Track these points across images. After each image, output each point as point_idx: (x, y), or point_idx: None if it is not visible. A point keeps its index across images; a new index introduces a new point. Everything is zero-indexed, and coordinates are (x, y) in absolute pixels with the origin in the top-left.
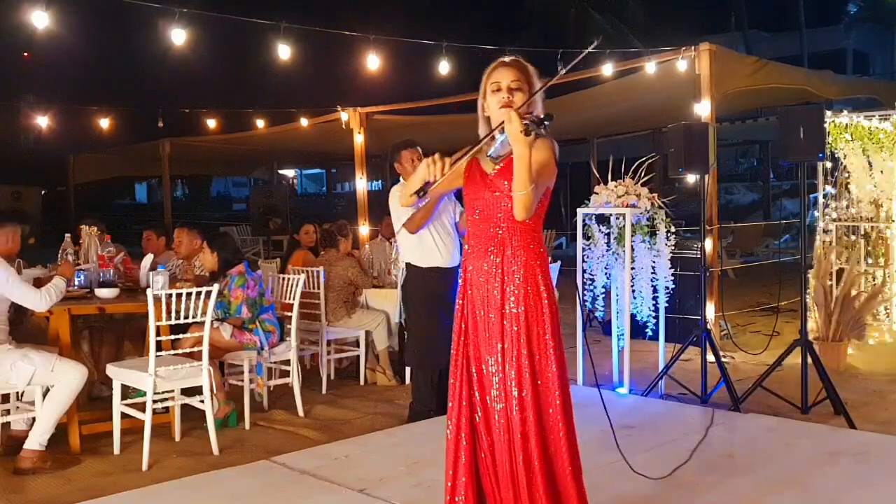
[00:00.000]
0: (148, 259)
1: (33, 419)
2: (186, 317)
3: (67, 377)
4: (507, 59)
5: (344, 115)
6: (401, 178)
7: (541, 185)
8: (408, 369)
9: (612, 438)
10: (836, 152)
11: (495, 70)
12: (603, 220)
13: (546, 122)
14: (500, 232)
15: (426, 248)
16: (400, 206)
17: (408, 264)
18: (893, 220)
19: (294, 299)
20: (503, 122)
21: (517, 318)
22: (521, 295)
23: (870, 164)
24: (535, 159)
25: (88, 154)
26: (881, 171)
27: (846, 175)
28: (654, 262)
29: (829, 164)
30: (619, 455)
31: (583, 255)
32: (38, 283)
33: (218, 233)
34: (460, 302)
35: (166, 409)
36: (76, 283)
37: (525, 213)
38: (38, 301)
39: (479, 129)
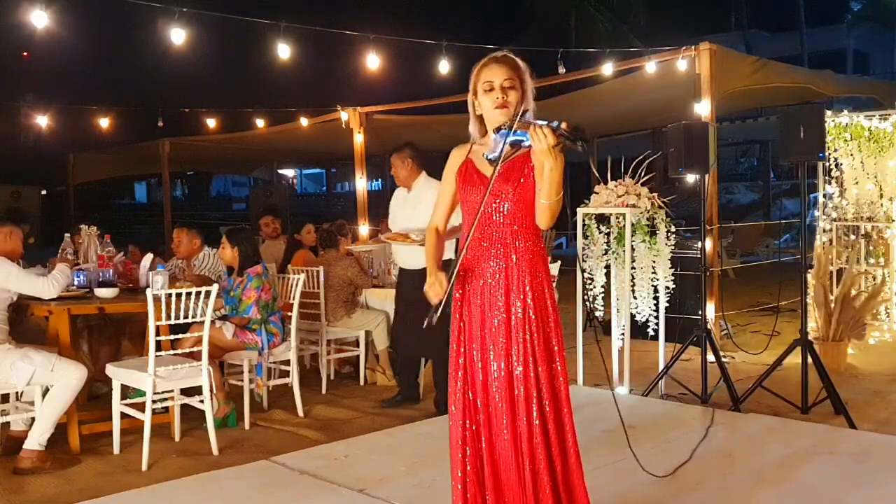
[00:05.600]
0: (147, 259)
1: (33, 419)
2: (186, 316)
3: (67, 377)
4: (497, 55)
5: (344, 115)
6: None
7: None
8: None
9: (613, 439)
10: (832, 153)
11: (486, 67)
12: (603, 219)
13: (580, 137)
14: (504, 236)
15: (417, 251)
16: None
17: (400, 268)
18: (893, 220)
19: (294, 299)
20: (506, 125)
21: (524, 322)
22: (527, 298)
23: (862, 164)
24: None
25: (88, 154)
26: (875, 175)
27: (843, 175)
28: (654, 262)
29: (829, 164)
30: (620, 456)
31: (583, 255)
32: None
33: (236, 227)
34: (458, 305)
35: (166, 409)
36: (76, 282)
37: (551, 221)
38: (46, 288)
39: (469, 127)
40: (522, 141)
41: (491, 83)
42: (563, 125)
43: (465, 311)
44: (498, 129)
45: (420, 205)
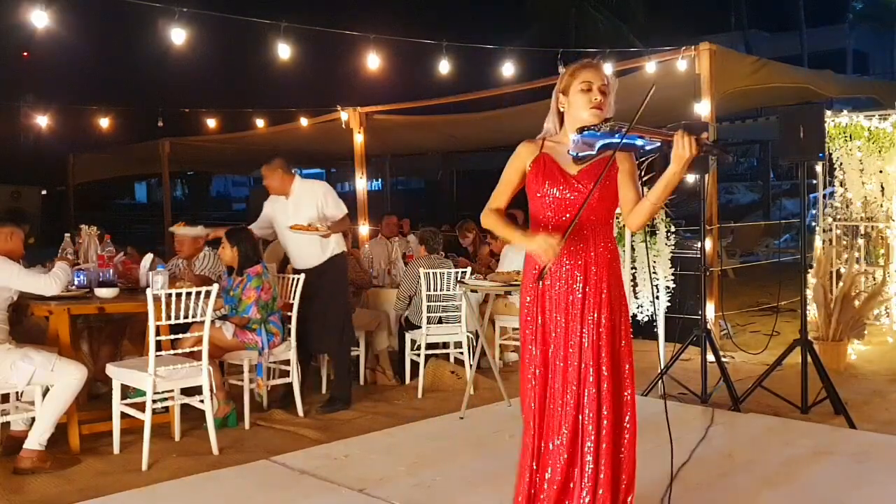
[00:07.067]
0: (147, 259)
1: (33, 419)
2: (186, 316)
3: (67, 377)
4: (593, 60)
5: (344, 115)
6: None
7: None
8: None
9: None
10: (832, 153)
11: (584, 69)
12: None
13: (714, 150)
14: (586, 234)
15: (307, 252)
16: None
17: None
18: (893, 220)
19: (294, 299)
20: (597, 125)
21: (600, 318)
22: (603, 293)
23: (860, 164)
24: (632, 170)
25: (88, 154)
26: (880, 171)
27: (844, 175)
28: (654, 262)
29: (828, 165)
30: None
31: None
32: None
33: (236, 227)
34: (529, 298)
35: (166, 409)
36: (76, 282)
37: (646, 222)
38: (48, 284)
39: (546, 121)
40: (637, 144)
41: (590, 83)
42: (705, 135)
43: (539, 302)
44: (582, 130)
45: (301, 207)
